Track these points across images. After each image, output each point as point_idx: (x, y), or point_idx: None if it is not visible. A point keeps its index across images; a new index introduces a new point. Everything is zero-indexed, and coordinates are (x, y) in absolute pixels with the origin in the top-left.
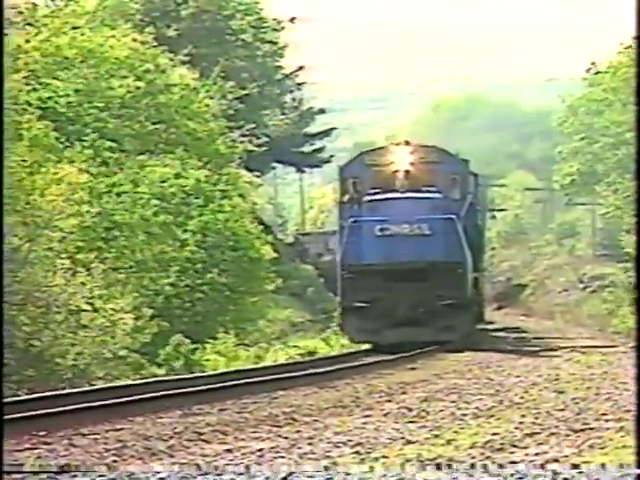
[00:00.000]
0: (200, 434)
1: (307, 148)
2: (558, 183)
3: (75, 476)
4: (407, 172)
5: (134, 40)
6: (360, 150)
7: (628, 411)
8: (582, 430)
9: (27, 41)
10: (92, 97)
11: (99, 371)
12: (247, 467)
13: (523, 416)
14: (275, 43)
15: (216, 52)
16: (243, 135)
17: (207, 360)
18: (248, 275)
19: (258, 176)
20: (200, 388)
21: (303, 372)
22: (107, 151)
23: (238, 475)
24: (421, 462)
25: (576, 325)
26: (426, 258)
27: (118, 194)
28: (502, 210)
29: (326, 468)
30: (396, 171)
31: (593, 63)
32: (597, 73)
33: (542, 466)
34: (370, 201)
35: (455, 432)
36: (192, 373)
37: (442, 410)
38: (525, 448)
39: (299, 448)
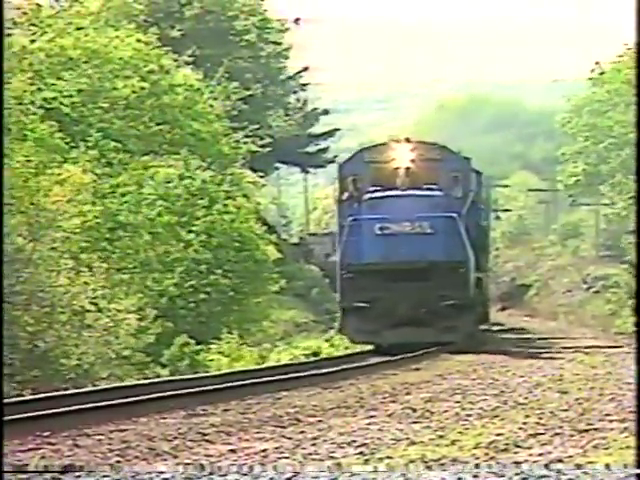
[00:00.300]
0: (204, 435)
1: (311, 148)
2: (562, 183)
3: (79, 476)
4: (408, 169)
5: (138, 41)
6: None
7: (632, 412)
8: (586, 430)
9: (32, 42)
10: (96, 98)
11: (103, 371)
12: (251, 468)
13: (527, 416)
14: (279, 44)
15: (220, 53)
16: (247, 136)
17: (211, 360)
18: (252, 276)
19: (262, 176)
20: (204, 388)
21: (307, 373)
22: (111, 151)
23: (242, 476)
24: (425, 462)
25: (580, 326)
26: (427, 257)
27: (122, 194)
28: (506, 210)
29: (330, 469)
30: (397, 168)
31: (597, 63)
32: (602, 73)
33: (546, 466)
34: (370, 199)
35: (459, 432)
36: (196, 373)
37: (446, 411)
38: (529, 448)
39: (303, 449)
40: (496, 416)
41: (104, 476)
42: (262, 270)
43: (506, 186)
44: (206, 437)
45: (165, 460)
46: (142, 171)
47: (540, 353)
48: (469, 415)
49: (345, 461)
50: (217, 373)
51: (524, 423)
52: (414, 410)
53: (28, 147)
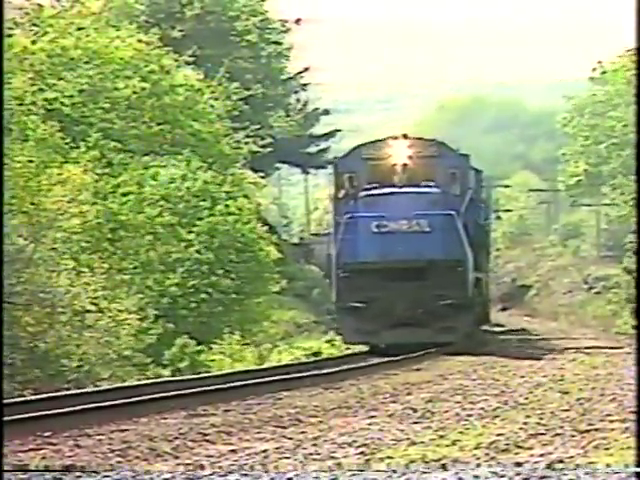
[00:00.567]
0: (205, 435)
1: (312, 149)
2: (563, 184)
3: (80, 476)
4: (405, 166)
5: (139, 41)
6: None
7: (633, 412)
8: (587, 431)
9: (33, 42)
10: (97, 98)
11: (104, 372)
12: (251, 468)
13: (528, 417)
14: (280, 44)
15: (221, 53)
16: (248, 136)
17: (212, 361)
18: (254, 276)
19: (263, 177)
20: (205, 389)
21: (308, 373)
22: (112, 152)
23: (243, 476)
24: (426, 463)
25: (580, 326)
26: (425, 256)
27: (123, 195)
28: (507, 211)
29: (331, 469)
30: (394, 165)
31: (599, 62)
32: (603, 73)
33: (548, 466)
34: (366, 196)
35: (460, 433)
36: (197, 374)
37: (447, 411)
38: (530, 449)
39: (304, 449)
40: (497, 416)
41: (105, 476)
42: (263, 271)
43: (507, 186)
44: (207, 437)
45: (166, 460)
46: (143, 171)
47: (540, 353)
48: (470, 415)
49: (346, 461)
50: (218, 373)
51: (525, 423)
52: (415, 410)
53: (29, 147)
